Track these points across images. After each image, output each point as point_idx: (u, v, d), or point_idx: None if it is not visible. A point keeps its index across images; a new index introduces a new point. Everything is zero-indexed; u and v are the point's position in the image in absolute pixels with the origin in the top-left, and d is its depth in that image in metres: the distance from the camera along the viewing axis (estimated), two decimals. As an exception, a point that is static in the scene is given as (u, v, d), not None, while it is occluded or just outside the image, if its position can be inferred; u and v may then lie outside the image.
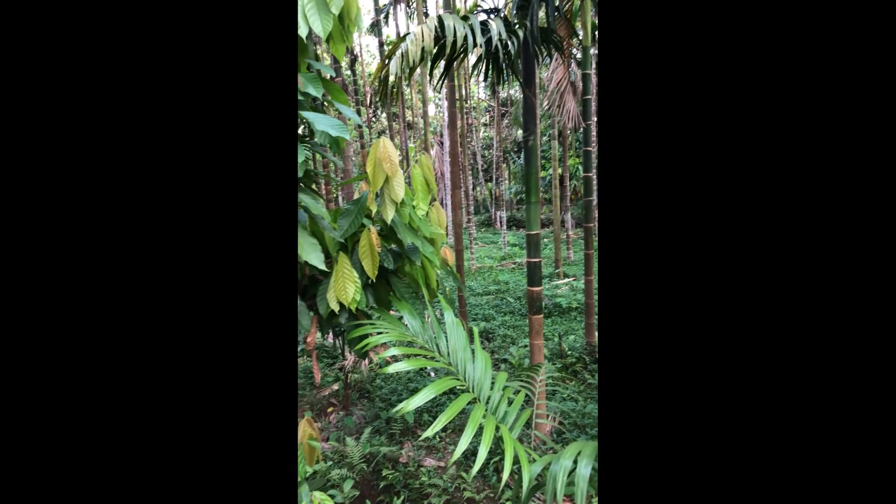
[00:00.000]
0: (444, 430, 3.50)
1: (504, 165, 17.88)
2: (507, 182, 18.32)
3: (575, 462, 1.11)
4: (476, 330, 1.88)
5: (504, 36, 2.33)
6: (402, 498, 2.70)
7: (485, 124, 20.41)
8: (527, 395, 2.01)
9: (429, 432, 1.08)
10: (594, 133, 5.12)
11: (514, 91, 16.35)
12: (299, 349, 4.51)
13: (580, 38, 4.55)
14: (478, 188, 19.80)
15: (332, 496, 2.64)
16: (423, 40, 2.25)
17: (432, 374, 4.16)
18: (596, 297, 4.62)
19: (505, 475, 1.08)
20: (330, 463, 3.02)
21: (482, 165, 18.89)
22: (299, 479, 1.43)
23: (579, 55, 6.19)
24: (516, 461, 1.40)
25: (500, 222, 13.66)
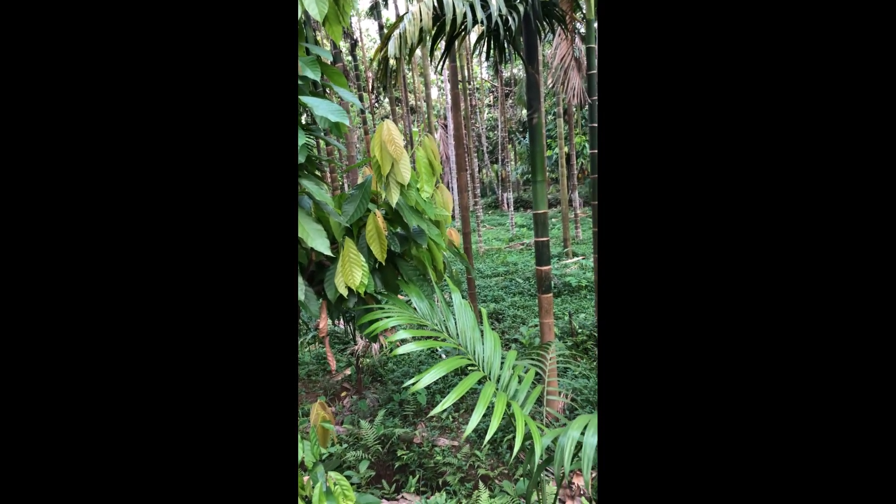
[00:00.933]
0: (456, 409, 3.54)
1: (509, 146, 17.72)
2: (513, 163, 18.16)
3: (583, 433, 1.12)
4: (485, 311, 1.88)
5: (504, 11, 2.28)
6: (417, 477, 2.75)
7: (489, 105, 20.16)
8: (538, 373, 2.02)
9: (438, 409, 1.10)
10: (600, 109, 5.02)
11: (517, 70, 16.10)
12: (311, 336, 4.57)
13: (584, 11, 4.44)
14: (483, 170, 19.66)
15: (348, 477, 2.70)
16: (421, 19, 2.21)
17: (443, 356, 4.20)
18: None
19: (516, 449, 1.10)
20: (345, 446, 3.08)
21: (487, 147, 18.73)
22: (314, 461, 1.46)
23: (583, 29, 6.06)
24: (528, 436, 1.41)
25: (507, 204, 13.59)
